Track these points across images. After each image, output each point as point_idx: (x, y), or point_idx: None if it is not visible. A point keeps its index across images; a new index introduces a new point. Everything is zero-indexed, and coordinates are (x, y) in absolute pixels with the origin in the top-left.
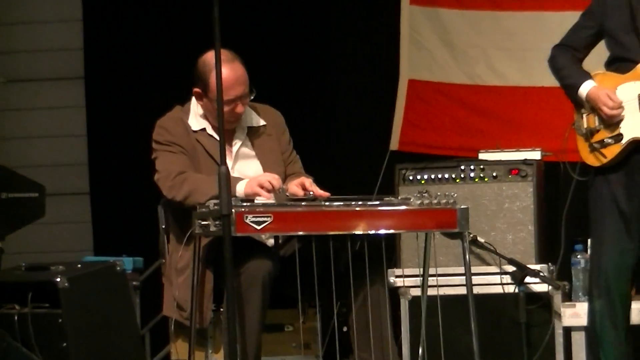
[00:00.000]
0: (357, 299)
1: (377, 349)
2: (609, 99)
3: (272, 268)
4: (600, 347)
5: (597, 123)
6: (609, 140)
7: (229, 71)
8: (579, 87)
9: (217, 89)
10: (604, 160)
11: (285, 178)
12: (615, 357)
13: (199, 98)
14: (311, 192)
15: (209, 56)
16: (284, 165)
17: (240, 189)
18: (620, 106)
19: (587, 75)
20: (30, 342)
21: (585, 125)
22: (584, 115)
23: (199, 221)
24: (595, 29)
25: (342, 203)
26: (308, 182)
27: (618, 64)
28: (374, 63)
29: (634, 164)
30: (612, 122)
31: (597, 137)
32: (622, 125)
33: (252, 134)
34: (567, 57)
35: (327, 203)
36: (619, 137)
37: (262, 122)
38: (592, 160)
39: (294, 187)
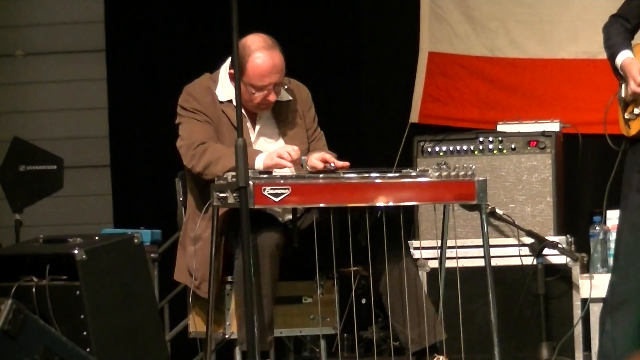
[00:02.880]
0: (383, 270)
1: (415, 320)
2: (638, 74)
3: (279, 239)
4: (609, 318)
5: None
6: (638, 112)
7: (267, 58)
8: (616, 57)
9: (234, 61)
10: (630, 132)
11: (307, 154)
12: (620, 332)
13: (232, 79)
14: (332, 164)
15: (249, 41)
16: (307, 142)
17: (260, 162)
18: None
19: (626, 46)
20: (48, 314)
21: (622, 96)
22: (623, 86)
23: (217, 193)
24: None
25: (360, 175)
26: (329, 155)
27: None
28: (396, 36)
29: None
30: (637, 97)
31: (629, 109)
32: None
33: (278, 109)
34: (616, 27)
35: (345, 175)
36: None
37: (288, 97)
38: (626, 130)
39: (314, 160)
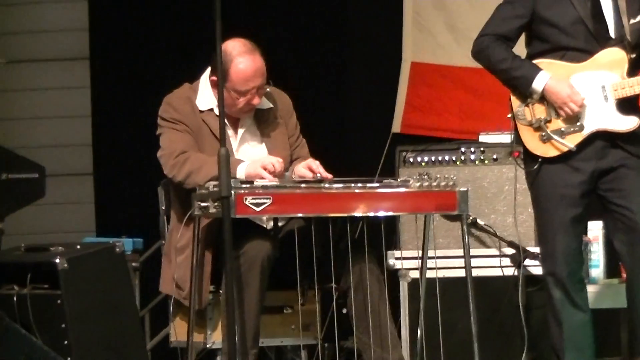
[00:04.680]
0: (354, 281)
1: (376, 332)
2: (575, 98)
3: (270, 250)
4: (564, 331)
5: (551, 112)
6: (567, 130)
7: (249, 62)
8: (533, 79)
9: (218, 69)
10: (565, 149)
11: (290, 162)
12: (580, 339)
13: (214, 86)
14: (318, 174)
15: (229, 47)
16: (289, 149)
17: (241, 171)
18: (583, 104)
19: (537, 67)
20: (29, 323)
21: (534, 115)
22: (530, 105)
23: (199, 202)
24: (527, 18)
25: (342, 185)
26: (315, 163)
27: (562, 52)
28: (379, 46)
29: (592, 152)
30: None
31: (552, 127)
32: (581, 115)
33: (259, 117)
34: (504, 48)
35: (327, 185)
36: (579, 127)
37: (269, 105)
38: (543, 150)
39: (302, 169)
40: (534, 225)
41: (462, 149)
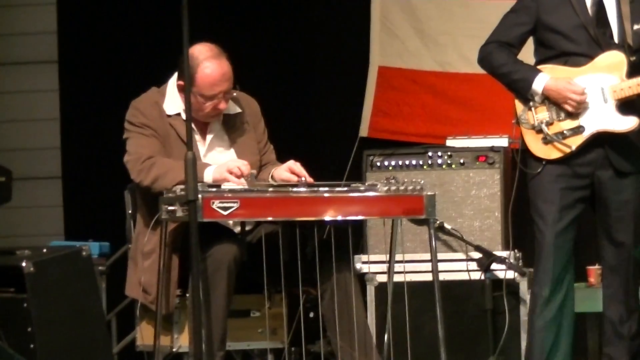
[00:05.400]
0: (326, 286)
1: (354, 337)
2: (574, 88)
3: (237, 253)
4: (544, 331)
5: (553, 115)
6: (568, 132)
7: (216, 67)
8: (533, 80)
9: (185, 74)
10: (567, 151)
11: (260, 167)
12: (556, 342)
13: (181, 91)
14: (303, 178)
15: (196, 51)
16: (259, 154)
17: (209, 175)
18: (584, 92)
19: (537, 69)
20: None
21: (537, 118)
22: (533, 108)
23: (166, 206)
24: (531, 25)
25: (309, 189)
26: (297, 166)
27: (566, 58)
28: (347, 50)
29: (593, 160)
30: (575, 112)
31: (553, 129)
32: (581, 117)
33: (228, 121)
34: (506, 54)
35: (294, 189)
36: (580, 128)
37: (238, 110)
38: (546, 152)
39: (285, 173)
40: (500, 230)
41: (430, 153)
